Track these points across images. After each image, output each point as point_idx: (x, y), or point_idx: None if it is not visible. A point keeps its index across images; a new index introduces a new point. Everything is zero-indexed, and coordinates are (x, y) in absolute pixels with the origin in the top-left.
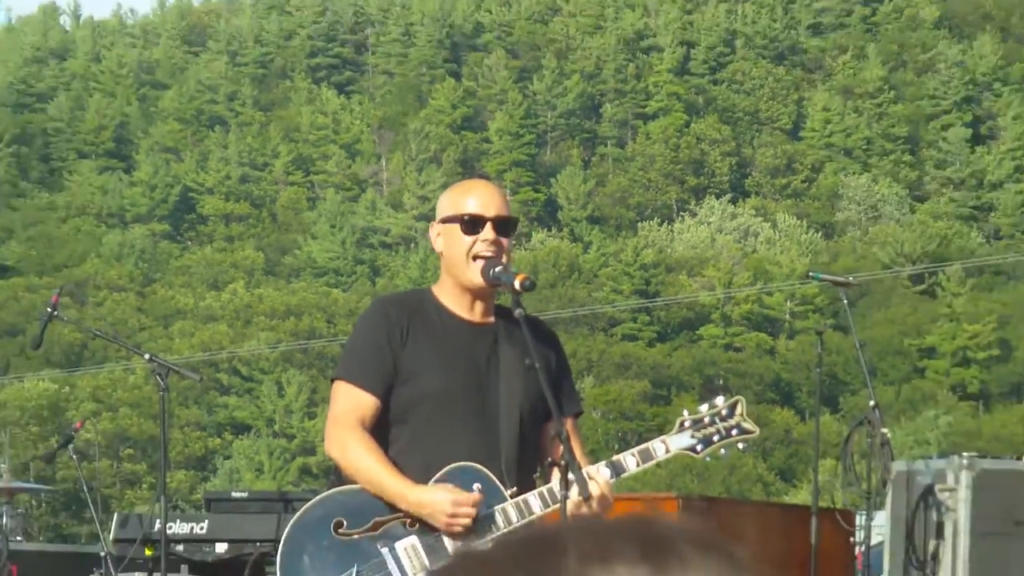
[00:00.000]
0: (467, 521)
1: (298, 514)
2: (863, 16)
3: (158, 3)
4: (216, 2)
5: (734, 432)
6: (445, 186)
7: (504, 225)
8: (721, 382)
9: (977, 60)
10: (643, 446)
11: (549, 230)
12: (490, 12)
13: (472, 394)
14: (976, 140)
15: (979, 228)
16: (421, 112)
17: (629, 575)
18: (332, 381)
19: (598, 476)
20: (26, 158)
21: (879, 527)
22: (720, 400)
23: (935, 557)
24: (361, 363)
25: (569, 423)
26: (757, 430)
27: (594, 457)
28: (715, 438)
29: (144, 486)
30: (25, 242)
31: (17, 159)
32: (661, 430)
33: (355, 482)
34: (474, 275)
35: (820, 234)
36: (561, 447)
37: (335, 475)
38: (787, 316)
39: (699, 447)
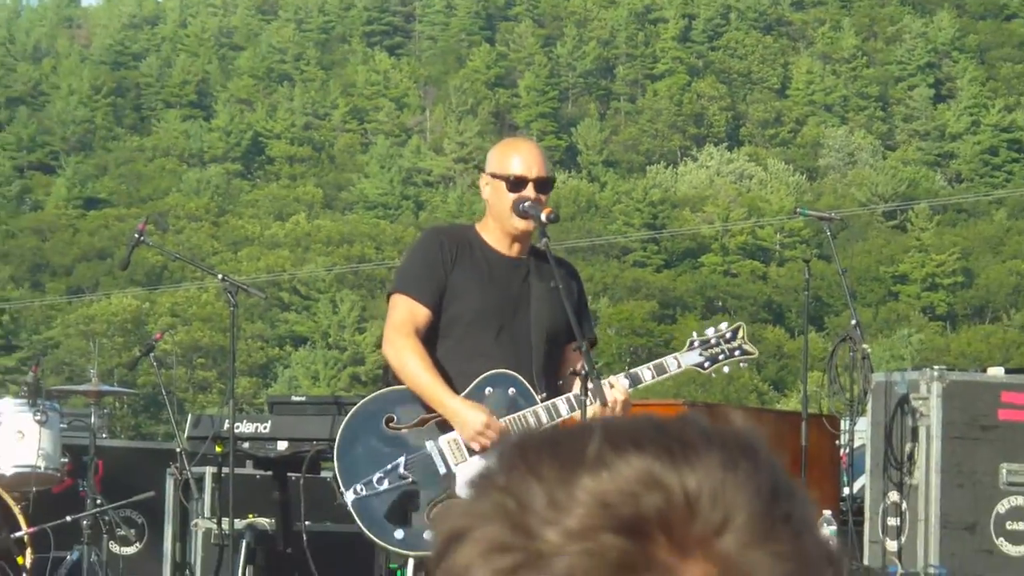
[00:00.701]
0: (487, 443)
1: (354, 409)
2: None
3: None
4: None
5: (736, 353)
6: (480, 134)
7: (544, 184)
8: (720, 303)
9: (937, 31)
10: (658, 361)
11: (570, 172)
12: None
13: (507, 315)
14: (938, 99)
15: (942, 173)
16: (460, 72)
17: (650, 454)
18: (389, 295)
19: (618, 384)
20: (120, 107)
21: (861, 431)
22: (724, 325)
23: (911, 458)
24: (416, 280)
25: (586, 347)
26: (756, 352)
27: (609, 370)
28: (720, 357)
29: (214, 391)
30: (117, 178)
31: (113, 108)
32: (668, 345)
33: (404, 383)
34: (516, 223)
35: (805, 177)
36: (582, 360)
37: (387, 376)
38: (777, 247)
39: (706, 364)
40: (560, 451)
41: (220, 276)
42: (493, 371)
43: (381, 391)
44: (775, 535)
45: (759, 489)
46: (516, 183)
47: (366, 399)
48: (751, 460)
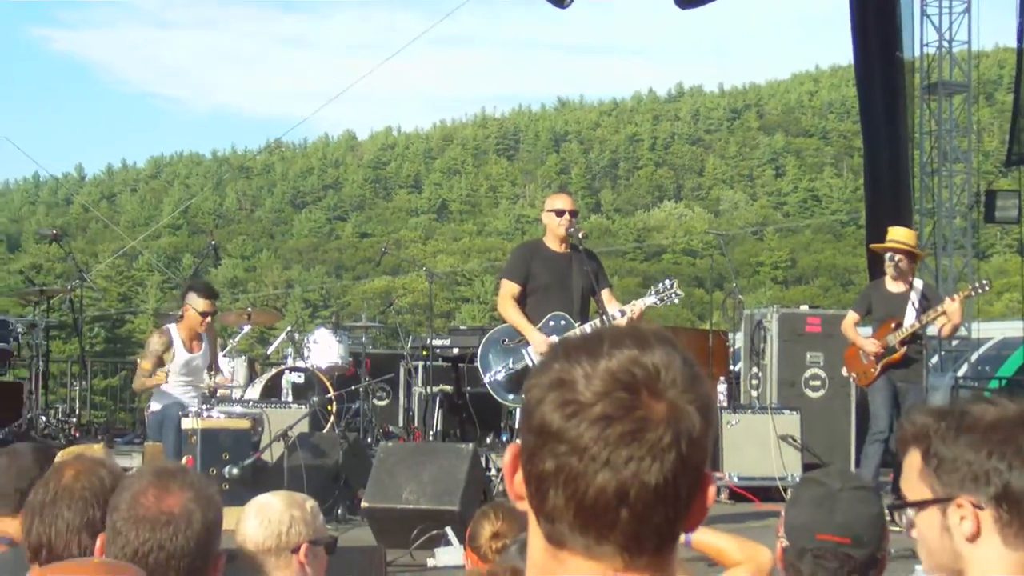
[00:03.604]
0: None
1: (487, 335)
2: None
3: None
4: None
5: (675, 296)
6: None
7: (573, 213)
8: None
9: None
10: (632, 303)
11: (597, 214)
12: None
13: (560, 284)
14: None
15: (779, 211)
16: (542, 168)
17: (634, 347)
18: (500, 279)
19: (635, 307)
20: None
21: (739, 339)
22: (668, 280)
23: (762, 351)
24: (512, 271)
25: (606, 292)
26: (682, 293)
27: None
28: (665, 299)
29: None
30: None
31: None
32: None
33: (508, 323)
34: (560, 232)
35: (713, 215)
36: (600, 302)
37: (501, 321)
38: (699, 250)
39: (658, 303)
40: (586, 347)
41: (424, 268)
42: (553, 312)
43: (499, 327)
44: (694, 386)
45: (684, 362)
46: (561, 213)
47: (492, 331)
48: (676, 347)
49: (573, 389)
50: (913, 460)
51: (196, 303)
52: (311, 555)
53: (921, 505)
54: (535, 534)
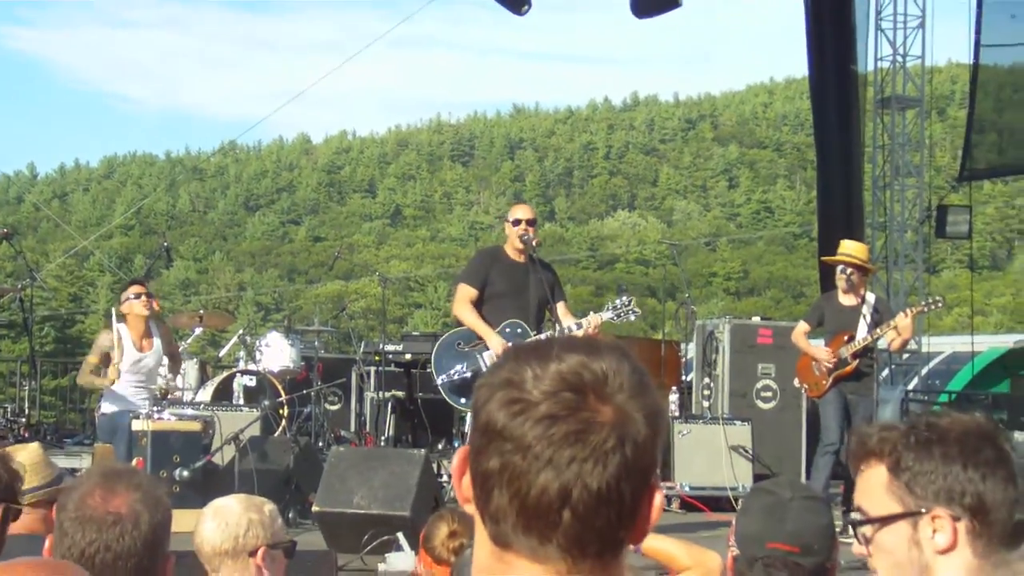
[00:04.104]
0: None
1: (441, 339)
2: None
3: None
4: None
5: (631, 314)
6: (507, 203)
7: (531, 222)
8: (624, 286)
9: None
10: (588, 316)
11: (552, 222)
12: None
13: (517, 293)
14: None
15: (731, 222)
16: (497, 174)
17: (582, 352)
18: (456, 283)
19: (590, 320)
20: None
21: (692, 349)
22: (625, 297)
23: (714, 361)
24: (470, 275)
25: (561, 305)
26: (640, 311)
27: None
28: (622, 315)
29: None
30: None
31: None
32: (600, 307)
33: (465, 325)
34: (517, 244)
35: (666, 225)
36: (555, 313)
37: (456, 324)
38: (652, 259)
39: (615, 318)
40: (537, 351)
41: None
42: (509, 320)
43: (454, 330)
44: (642, 393)
45: (632, 370)
46: (517, 223)
47: (447, 334)
48: (626, 355)
49: (521, 388)
50: (876, 474)
51: (127, 294)
52: (269, 559)
53: (891, 519)
54: (481, 536)
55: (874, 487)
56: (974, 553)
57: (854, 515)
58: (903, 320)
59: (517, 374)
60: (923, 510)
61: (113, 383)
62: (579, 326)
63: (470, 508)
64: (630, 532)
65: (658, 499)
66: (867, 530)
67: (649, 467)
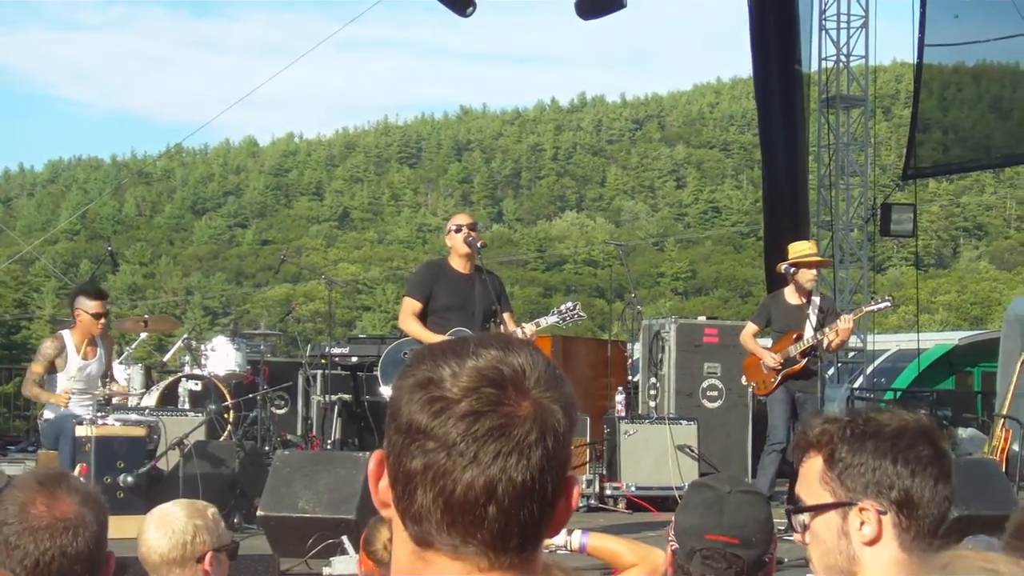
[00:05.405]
0: None
1: (388, 348)
2: None
3: None
4: None
5: (576, 316)
6: (454, 206)
7: (473, 227)
8: (573, 288)
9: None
10: (537, 320)
11: (499, 224)
12: None
13: (462, 305)
14: (679, 187)
15: (680, 223)
16: (444, 176)
17: (499, 349)
18: (403, 296)
19: (526, 329)
20: None
21: (638, 349)
22: (571, 304)
23: (660, 361)
24: (415, 288)
25: (507, 315)
26: (585, 315)
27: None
28: (567, 318)
29: (325, 333)
30: None
31: None
32: (547, 310)
33: (410, 335)
34: (463, 248)
35: (614, 225)
36: (500, 324)
37: (401, 335)
38: (601, 260)
39: (560, 322)
40: (453, 349)
41: (324, 276)
42: (455, 329)
43: (401, 339)
44: (557, 385)
45: (547, 363)
46: (459, 228)
47: (394, 343)
48: (539, 352)
49: (440, 387)
50: (813, 464)
51: (87, 305)
52: (215, 562)
53: (822, 509)
54: (400, 537)
55: (811, 477)
56: (900, 547)
57: (793, 504)
58: (846, 323)
59: (435, 372)
60: (852, 502)
61: (65, 405)
62: (524, 332)
63: (388, 513)
64: (550, 525)
65: (575, 492)
66: (804, 518)
67: (567, 459)
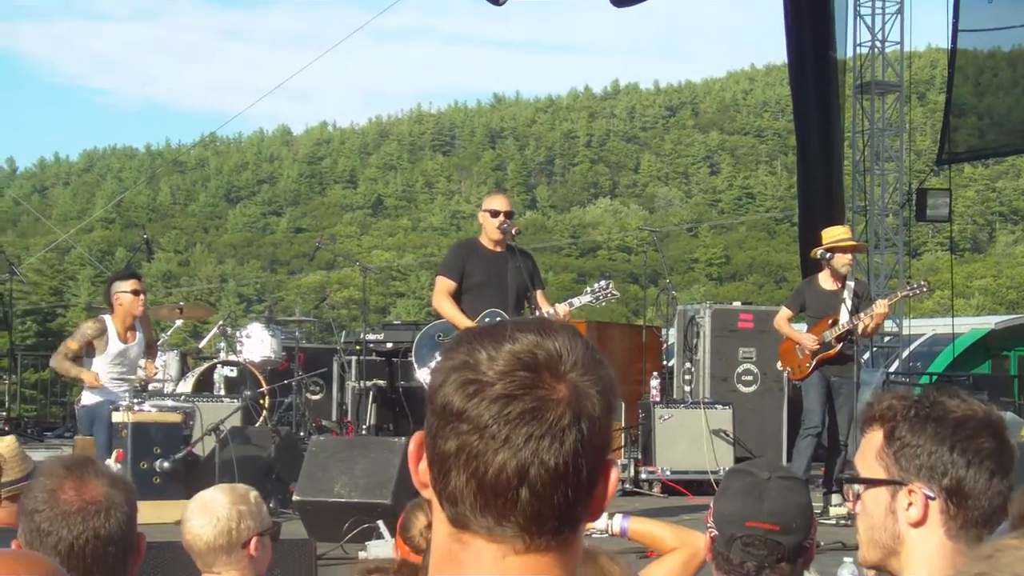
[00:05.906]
0: None
1: (422, 330)
2: None
3: None
4: None
5: (611, 296)
6: (488, 192)
7: (509, 214)
8: (607, 273)
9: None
10: (571, 299)
11: (533, 210)
12: None
13: (496, 283)
14: (712, 173)
15: (714, 209)
16: (478, 164)
17: (536, 333)
18: (437, 276)
19: (559, 308)
20: None
21: (673, 335)
22: (604, 281)
23: (695, 346)
24: (448, 268)
25: (540, 293)
26: (618, 294)
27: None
28: (601, 297)
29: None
30: None
31: None
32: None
33: (444, 317)
34: (496, 234)
35: (648, 212)
36: (535, 301)
37: (435, 316)
38: (635, 245)
39: (594, 301)
40: (491, 334)
41: (358, 263)
42: (488, 309)
43: (435, 322)
44: (595, 369)
45: (586, 347)
46: (496, 214)
47: (427, 326)
48: (579, 335)
49: (476, 370)
50: (874, 438)
51: (123, 287)
52: (260, 546)
53: (872, 483)
54: (439, 518)
55: (869, 450)
56: (946, 533)
57: (847, 473)
58: (881, 307)
59: (472, 356)
60: (903, 482)
61: (96, 384)
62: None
63: (428, 493)
64: (587, 509)
65: (614, 476)
66: (858, 488)
67: (605, 443)
